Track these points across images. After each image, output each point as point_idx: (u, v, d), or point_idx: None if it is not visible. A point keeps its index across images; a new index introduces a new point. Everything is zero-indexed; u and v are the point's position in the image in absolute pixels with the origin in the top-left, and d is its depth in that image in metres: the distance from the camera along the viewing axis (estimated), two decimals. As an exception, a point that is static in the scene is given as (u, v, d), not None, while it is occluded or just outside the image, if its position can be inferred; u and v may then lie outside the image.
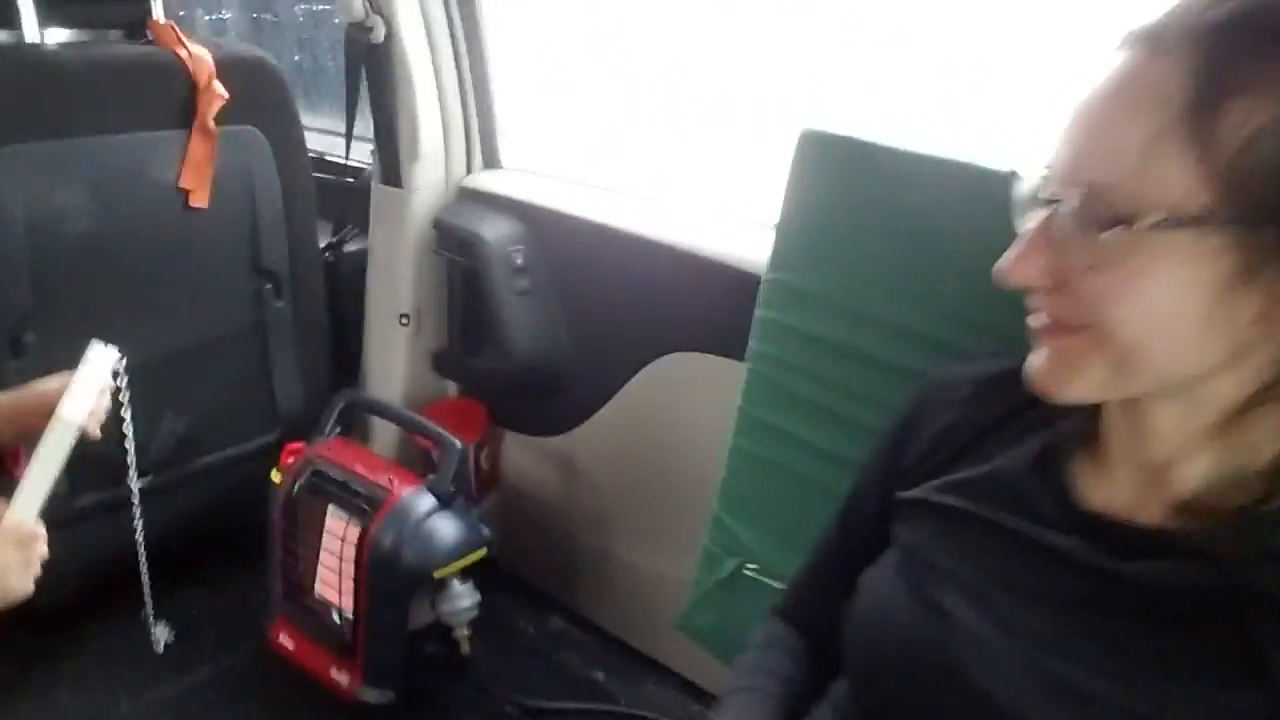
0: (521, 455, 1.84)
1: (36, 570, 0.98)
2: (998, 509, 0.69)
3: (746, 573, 1.16)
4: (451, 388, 1.90)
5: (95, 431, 1.07)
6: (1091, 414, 0.67)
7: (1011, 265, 0.60)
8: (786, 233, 1.10)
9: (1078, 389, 0.60)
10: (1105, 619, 0.60)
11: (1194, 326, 0.54)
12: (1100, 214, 0.54)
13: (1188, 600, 0.57)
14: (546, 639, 1.76)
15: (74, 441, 1.02)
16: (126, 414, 1.28)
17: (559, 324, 1.67)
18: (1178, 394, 0.59)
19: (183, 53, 1.44)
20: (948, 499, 0.73)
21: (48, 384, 1.08)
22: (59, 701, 1.53)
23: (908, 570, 0.72)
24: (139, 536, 1.37)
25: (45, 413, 1.02)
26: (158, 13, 1.47)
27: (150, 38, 1.47)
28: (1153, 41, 0.55)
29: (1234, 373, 0.56)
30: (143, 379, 1.43)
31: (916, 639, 0.68)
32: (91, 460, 1.23)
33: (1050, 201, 0.58)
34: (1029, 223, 0.60)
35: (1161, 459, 0.61)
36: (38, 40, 1.43)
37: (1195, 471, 0.60)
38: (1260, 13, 0.53)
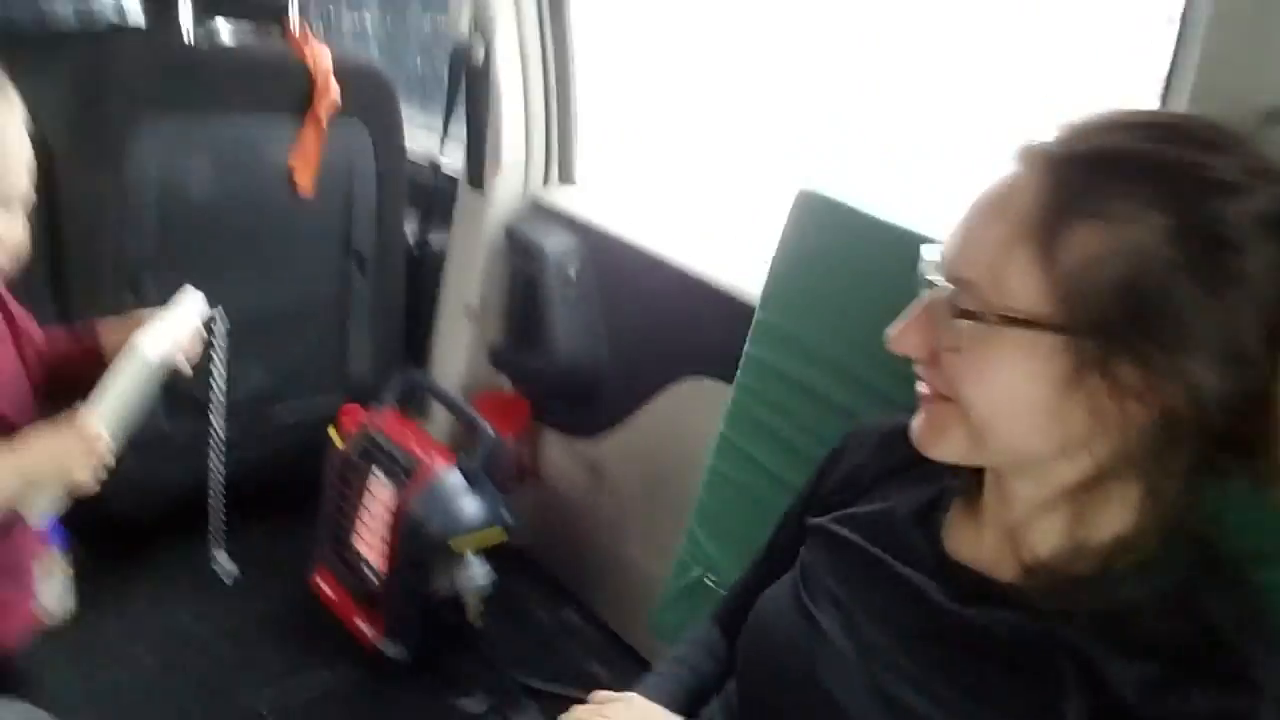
0: (557, 453, 1.97)
1: (99, 469, 1.03)
2: (877, 543, 0.78)
3: (707, 582, 1.26)
4: (506, 383, 2.06)
5: (185, 368, 1.13)
6: (973, 473, 0.75)
7: (896, 335, 0.70)
8: (777, 278, 1.20)
9: (942, 450, 0.70)
10: (941, 651, 0.69)
11: (1035, 414, 0.63)
12: (962, 304, 0.64)
13: (1010, 645, 0.66)
14: (557, 628, 1.88)
15: (149, 372, 1.06)
16: (216, 357, 1.47)
17: (599, 335, 1.80)
18: (1028, 469, 0.68)
19: (307, 54, 1.64)
20: (841, 530, 0.82)
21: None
22: (134, 610, 1.73)
23: (798, 586, 0.82)
24: (214, 472, 1.55)
25: None
26: (292, 14, 1.68)
27: (282, 35, 1.68)
28: (1027, 159, 0.64)
29: (1074, 458, 0.64)
30: (234, 332, 1.65)
31: (788, 644, 0.78)
32: (183, 394, 1.44)
33: (934, 284, 0.67)
34: (921, 298, 0.69)
35: (1016, 524, 0.70)
36: (189, 32, 1.66)
37: (1044, 539, 0.68)
38: (1114, 154, 0.61)
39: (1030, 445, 0.65)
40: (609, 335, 1.80)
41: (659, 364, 1.68)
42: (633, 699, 0.85)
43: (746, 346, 1.24)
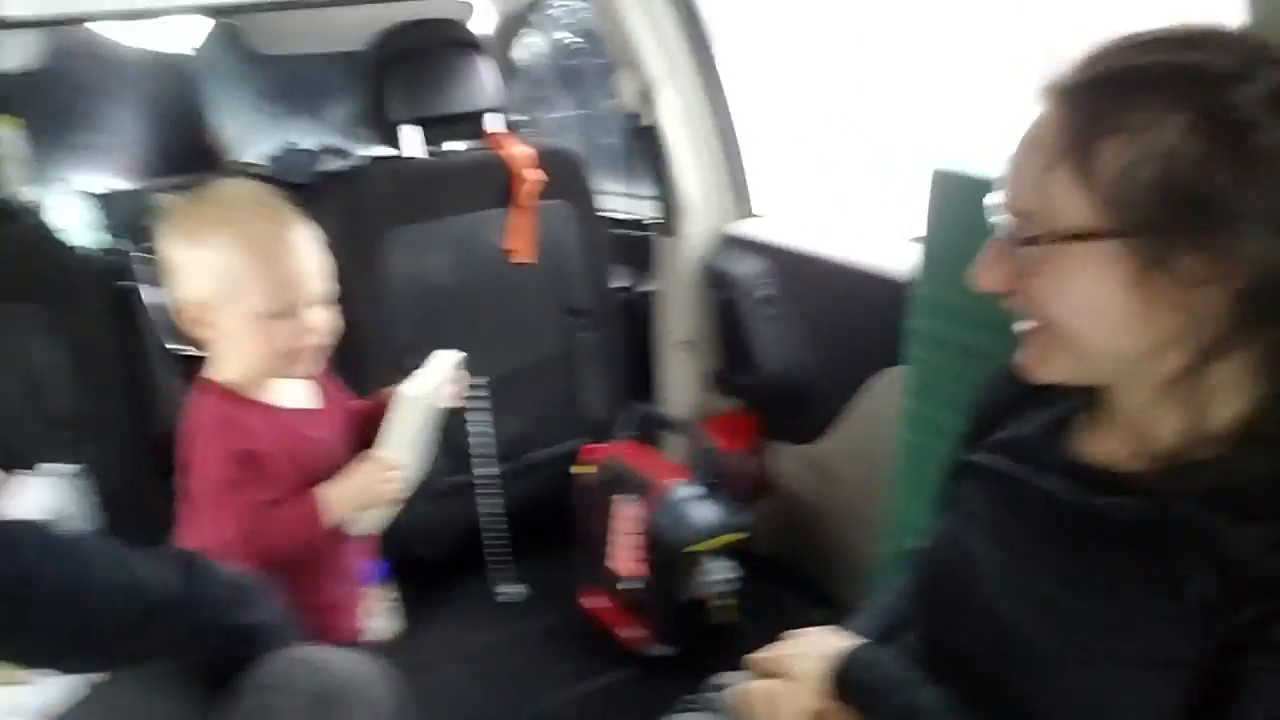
0: (785, 462, 2.11)
1: (401, 490, 1.30)
2: (1016, 463, 0.87)
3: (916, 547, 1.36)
4: (730, 404, 2.23)
5: (445, 405, 1.38)
6: (1090, 388, 0.82)
7: (976, 274, 0.79)
8: (927, 253, 1.31)
9: (1047, 373, 0.78)
10: (1075, 544, 0.77)
11: (1116, 318, 0.70)
12: (1024, 233, 0.73)
13: (1134, 528, 0.73)
14: (806, 624, 2.00)
15: (415, 407, 1.31)
16: (474, 413, 1.76)
17: (802, 344, 1.95)
18: (1130, 372, 0.74)
19: (509, 152, 1.94)
20: (981, 458, 0.92)
21: None
22: (440, 633, 2.02)
23: (952, 516, 0.93)
24: (487, 511, 1.84)
25: None
26: (488, 123, 1.99)
27: (487, 143, 2.00)
28: (1050, 95, 0.74)
29: (1168, 352, 0.70)
30: (488, 392, 1.96)
31: (943, 570, 0.90)
32: (459, 448, 1.74)
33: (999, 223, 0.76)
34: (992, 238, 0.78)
35: (1136, 423, 0.77)
36: (411, 153, 2.00)
37: (1165, 432, 0.74)
38: (1123, 72, 0.70)
39: (1122, 348, 0.71)
40: (810, 344, 1.94)
41: (857, 361, 1.79)
42: (817, 631, 0.97)
43: (909, 321, 1.35)
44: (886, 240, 1.77)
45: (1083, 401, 0.84)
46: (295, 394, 1.33)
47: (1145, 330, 0.69)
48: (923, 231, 1.32)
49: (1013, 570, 0.81)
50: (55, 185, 2.39)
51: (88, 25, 2.38)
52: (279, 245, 1.19)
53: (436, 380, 1.36)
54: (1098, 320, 0.71)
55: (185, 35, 2.73)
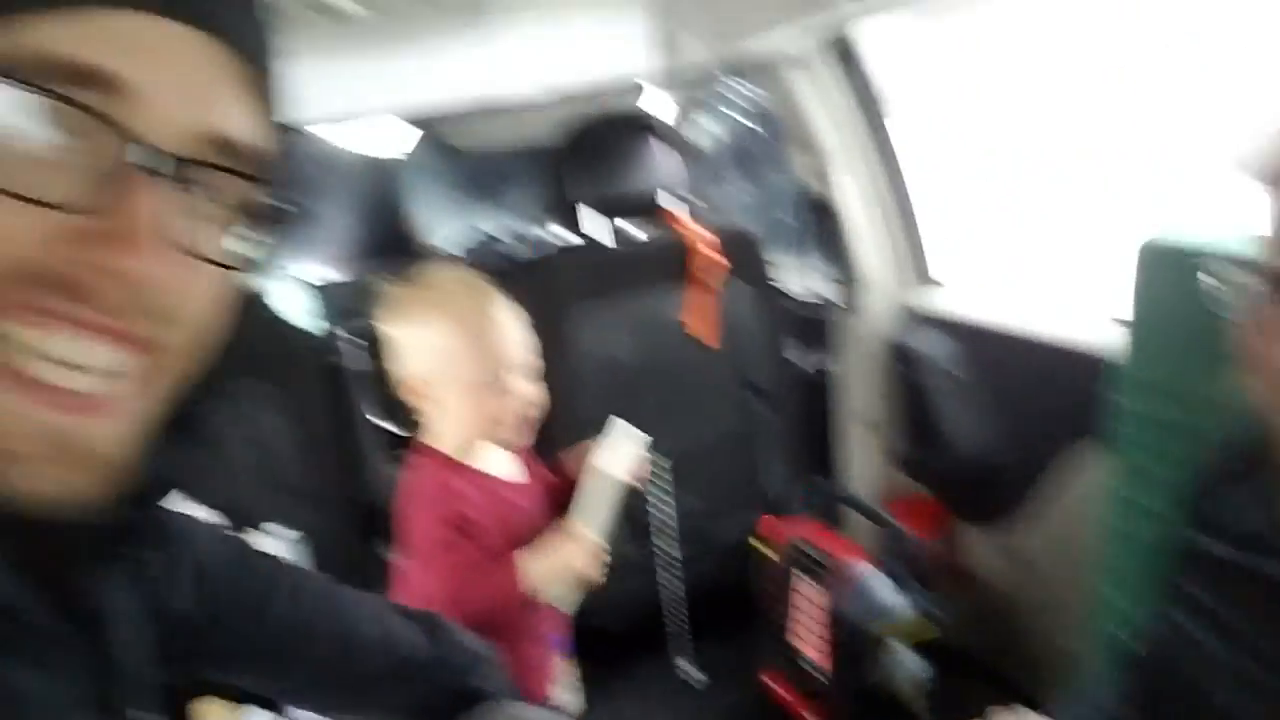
0: (975, 546, 2.01)
1: (599, 565, 1.33)
2: (1243, 550, 0.82)
3: (1124, 639, 1.26)
4: (915, 486, 2.16)
5: (631, 481, 1.41)
6: None
7: (1256, 350, 0.70)
8: (1134, 329, 1.24)
9: None
10: None
11: None
12: None
13: None
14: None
15: (608, 484, 1.35)
16: (656, 486, 1.77)
17: (990, 421, 1.86)
18: None
19: (690, 234, 1.99)
20: (1204, 545, 0.88)
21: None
22: (616, 705, 2.04)
23: (1173, 610, 0.87)
24: (667, 587, 1.86)
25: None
26: (671, 206, 2.05)
27: (666, 224, 2.05)
28: None
29: None
30: (669, 467, 1.98)
31: (1169, 663, 0.85)
32: (638, 521, 1.77)
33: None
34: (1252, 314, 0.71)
35: None
36: (592, 235, 2.08)
37: None
38: None
39: None
40: (999, 420, 1.86)
41: (1046, 437, 1.70)
42: (1026, 712, 0.92)
43: (1116, 399, 1.27)
44: (1074, 311, 1.69)
45: None
46: (503, 465, 1.41)
47: None
48: (1127, 307, 1.25)
49: (1251, 668, 0.75)
50: (278, 274, 2.63)
51: (306, 128, 2.65)
52: (485, 321, 1.29)
53: (625, 454, 1.40)
54: None
55: (389, 137, 2.98)
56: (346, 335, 2.66)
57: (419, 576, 1.31)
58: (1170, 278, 1.19)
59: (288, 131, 0.54)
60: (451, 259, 2.97)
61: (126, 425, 0.48)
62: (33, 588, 0.48)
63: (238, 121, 0.49)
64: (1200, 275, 1.12)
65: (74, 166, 0.43)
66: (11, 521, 0.49)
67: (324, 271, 2.97)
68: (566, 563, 1.32)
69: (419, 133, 2.95)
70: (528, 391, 1.33)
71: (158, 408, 0.50)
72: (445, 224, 3.15)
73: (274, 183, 0.53)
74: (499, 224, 3.18)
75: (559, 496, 1.45)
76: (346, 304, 2.70)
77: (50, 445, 0.44)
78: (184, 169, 0.45)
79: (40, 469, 0.44)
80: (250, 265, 0.53)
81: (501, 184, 3.15)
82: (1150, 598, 1.22)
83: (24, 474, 0.44)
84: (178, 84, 0.45)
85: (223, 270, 0.50)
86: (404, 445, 2.61)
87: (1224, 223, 1.21)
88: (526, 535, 1.37)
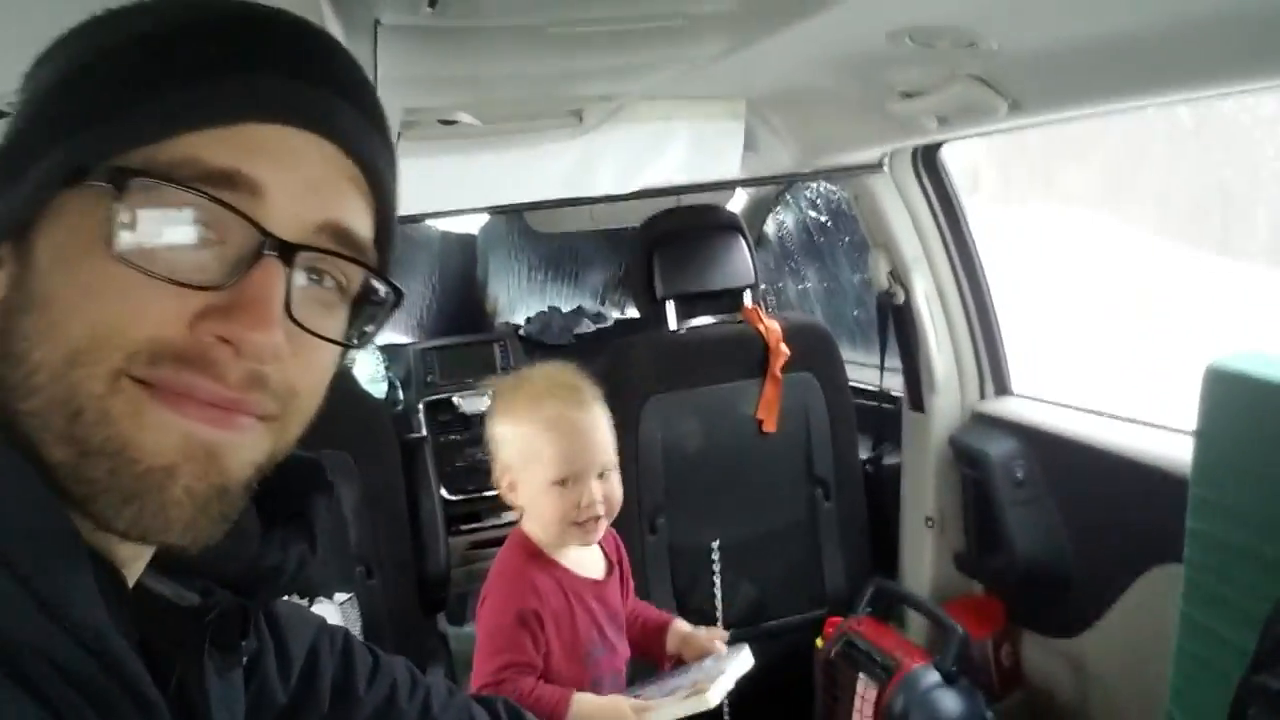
0: (1039, 655, 2.00)
1: None
2: None
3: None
4: (977, 587, 2.16)
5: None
6: None
7: None
8: (1203, 452, 1.26)
9: None
10: None
11: None
12: None
13: None
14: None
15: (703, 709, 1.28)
16: (716, 581, 1.81)
17: (1059, 530, 1.87)
18: None
19: (761, 327, 2.05)
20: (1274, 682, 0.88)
21: (701, 634, 1.48)
22: None
23: None
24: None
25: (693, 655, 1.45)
26: (746, 299, 2.12)
27: (741, 317, 2.12)
28: None
29: None
30: (729, 555, 2.01)
31: None
32: (693, 613, 1.79)
33: None
34: None
35: None
36: (674, 326, 2.15)
37: None
38: None
39: None
40: (1070, 531, 1.86)
41: (1127, 555, 1.70)
42: None
43: (1188, 522, 1.29)
44: (1156, 426, 1.71)
45: None
46: (584, 560, 1.45)
47: None
48: (1197, 426, 1.28)
49: None
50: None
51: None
52: (568, 423, 1.35)
53: (730, 678, 1.35)
54: None
55: (472, 218, 3.12)
56: (417, 404, 2.77)
57: (483, 656, 1.35)
58: (1236, 400, 1.22)
59: (399, 224, 0.61)
60: (519, 332, 3.08)
61: (255, 453, 0.53)
62: (147, 663, 0.51)
63: (353, 215, 0.55)
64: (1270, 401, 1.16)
65: (214, 256, 0.50)
66: (139, 599, 0.54)
67: (398, 338, 3.08)
68: None
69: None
70: (602, 492, 1.37)
71: (274, 459, 0.56)
72: (519, 299, 3.25)
73: (383, 269, 0.59)
74: (567, 301, 3.29)
75: (644, 637, 1.51)
76: (423, 373, 2.81)
77: (197, 453, 0.50)
78: (306, 255, 0.52)
79: (184, 483, 0.49)
80: (362, 342, 0.59)
81: (573, 264, 3.26)
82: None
83: (165, 495, 0.49)
84: (302, 182, 0.52)
85: (335, 348, 0.56)
86: (472, 518, 2.71)
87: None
88: (596, 636, 1.41)
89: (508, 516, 2.88)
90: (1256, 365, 1.20)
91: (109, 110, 0.50)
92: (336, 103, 0.55)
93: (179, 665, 0.57)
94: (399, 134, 1.30)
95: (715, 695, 1.29)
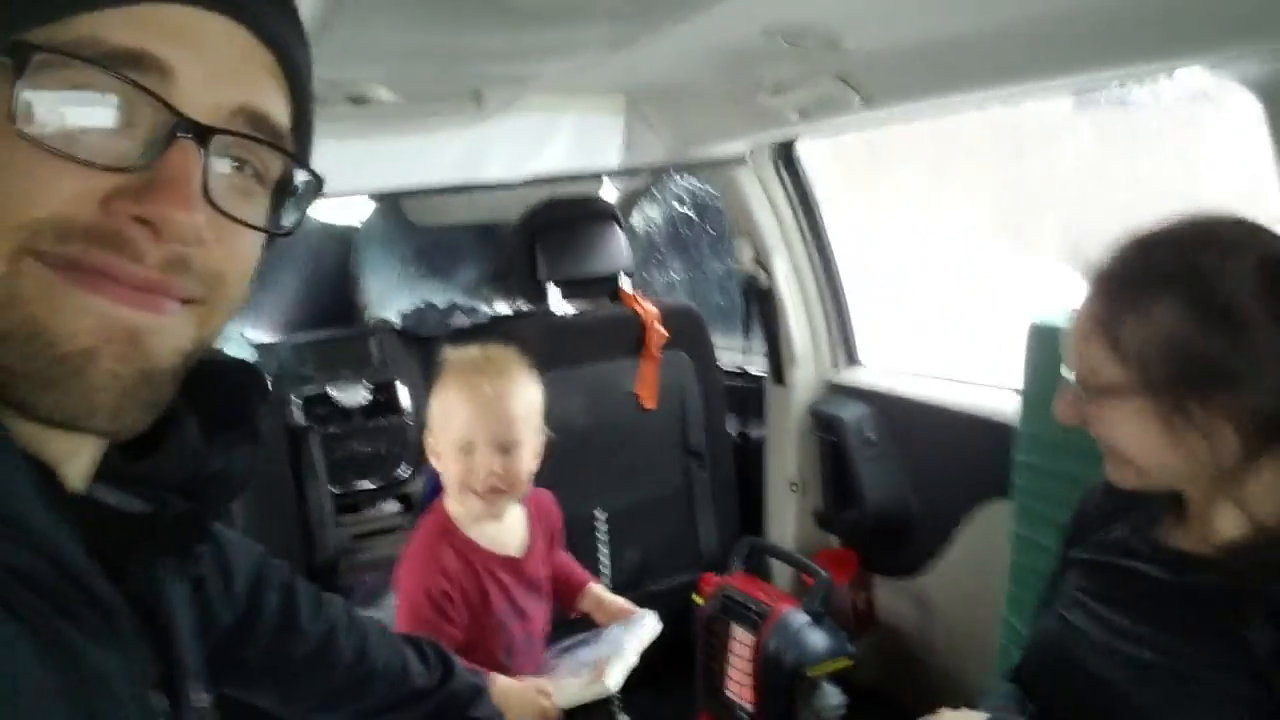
0: (889, 595, 2.23)
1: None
2: (1110, 553, 1.06)
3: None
4: (834, 540, 2.38)
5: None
6: (1172, 494, 1.01)
7: (1057, 414, 1.00)
8: (1029, 396, 1.50)
9: (1123, 483, 0.98)
10: (1159, 611, 0.95)
11: (1156, 448, 0.91)
12: (1080, 384, 0.95)
13: (1209, 597, 0.91)
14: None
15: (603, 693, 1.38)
16: (600, 547, 1.94)
17: (903, 482, 2.11)
18: (1184, 482, 0.95)
19: (638, 309, 2.21)
20: (1083, 553, 1.10)
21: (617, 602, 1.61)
22: None
23: (1058, 604, 1.09)
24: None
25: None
26: (623, 283, 2.27)
27: (617, 299, 2.27)
28: (1089, 280, 0.96)
29: (1205, 468, 0.91)
30: (614, 523, 2.15)
31: (1051, 645, 1.07)
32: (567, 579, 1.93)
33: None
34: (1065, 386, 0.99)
35: (1204, 517, 0.96)
36: (558, 309, 2.28)
37: (1225, 524, 0.94)
38: (1134, 269, 0.92)
39: (1168, 468, 0.92)
40: (911, 482, 2.11)
41: (956, 496, 1.95)
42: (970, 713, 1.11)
43: (1016, 455, 1.53)
44: (977, 382, 1.97)
45: (1166, 502, 1.03)
46: (501, 538, 1.51)
47: (1180, 454, 0.90)
48: (1020, 377, 1.51)
49: (1114, 641, 0.98)
50: (232, 336, 2.72)
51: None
52: (478, 392, 1.42)
53: (631, 662, 1.45)
54: (1143, 448, 0.92)
55: (351, 208, 3.14)
56: (291, 397, 2.78)
57: (402, 629, 1.39)
58: (1053, 351, 1.45)
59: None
60: (386, 327, 3.12)
61: (180, 339, 0.52)
62: (103, 571, 0.50)
63: (269, 100, 0.54)
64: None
65: (124, 137, 0.48)
66: (85, 507, 0.53)
67: (267, 335, 3.07)
68: (523, 707, 1.35)
69: (373, 204, 3.11)
70: (499, 465, 1.41)
71: (201, 346, 0.54)
72: (392, 294, 3.30)
73: (302, 158, 0.58)
74: (441, 296, 3.35)
75: (560, 591, 1.61)
76: (295, 366, 2.82)
77: (118, 336, 0.48)
78: (222, 139, 0.51)
79: (106, 367, 0.48)
80: (284, 232, 0.58)
81: (447, 258, 3.33)
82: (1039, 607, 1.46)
83: (86, 380, 0.48)
84: (214, 64, 0.51)
85: (258, 236, 0.55)
86: (352, 510, 2.73)
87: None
88: (511, 603, 1.48)
89: (388, 509, 2.94)
90: (1068, 320, 1.44)
91: None
92: None
93: (134, 571, 0.56)
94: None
95: (614, 681, 1.39)
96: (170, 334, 0.51)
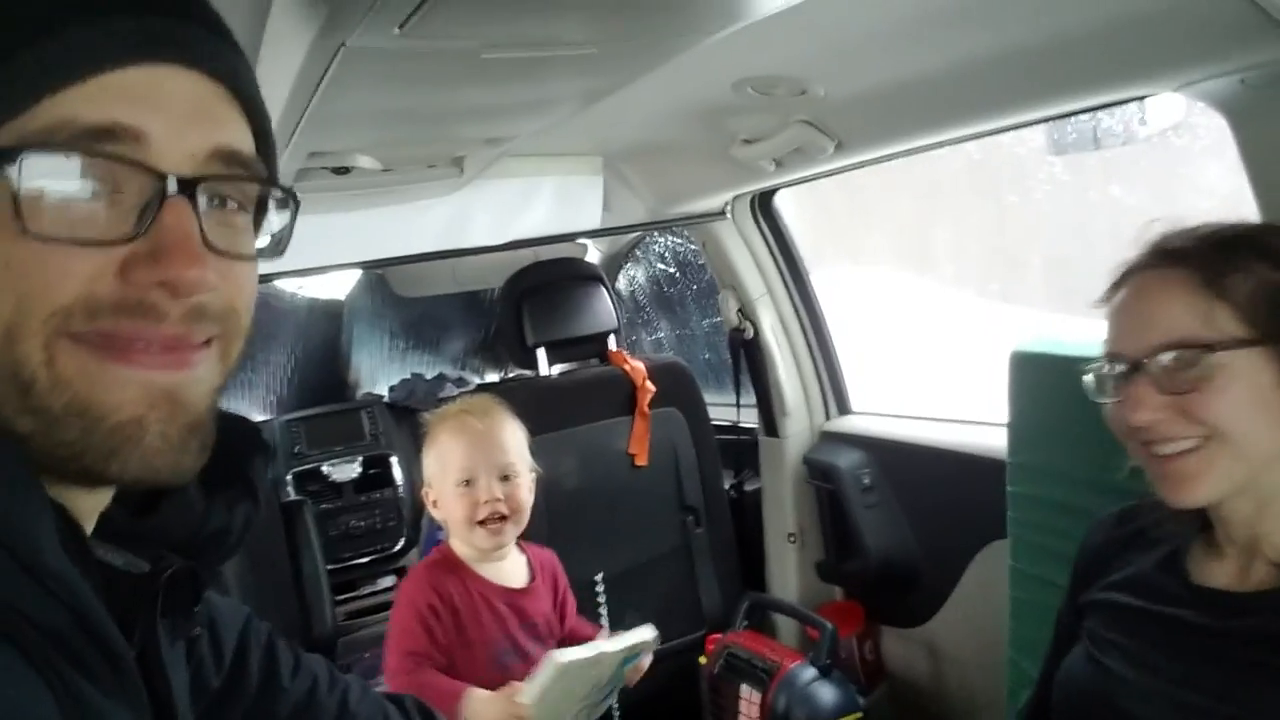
0: (897, 645, 2.20)
1: None
2: (1138, 597, 1.03)
3: (1036, 699, 1.45)
4: (838, 592, 2.35)
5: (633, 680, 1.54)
6: (1197, 520, 0.99)
7: (1134, 416, 0.92)
8: (1016, 425, 1.50)
9: (1206, 488, 0.90)
10: (1208, 655, 0.93)
11: (1273, 413, 0.87)
12: (1180, 360, 0.89)
13: (1263, 641, 0.89)
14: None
15: (560, 675, 1.35)
16: (604, 611, 1.92)
17: (904, 528, 2.09)
18: (1250, 487, 0.90)
19: (626, 367, 2.21)
20: (1107, 595, 1.07)
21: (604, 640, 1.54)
22: None
23: (1086, 647, 1.07)
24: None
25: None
26: (611, 344, 2.28)
27: (606, 360, 2.27)
28: (1162, 260, 0.94)
29: None
30: (612, 586, 2.12)
31: (1089, 689, 1.03)
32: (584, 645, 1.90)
33: (1133, 368, 0.92)
34: (1112, 394, 0.96)
35: (1252, 539, 0.93)
36: (547, 372, 2.28)
37: (1268, 552, 0.91)
38: (1224, 237, 0.93)
39: (1271, 443, 0.87)
40: (912, 528, 2.09)
41: (959, 540, 1.93)
42: None
43: (1008, 486, 1.52)
44: (972, 422, 1.96)
45: (1192, 534, 1.01)
46: (504, 573, 1.57)
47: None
48: (1006, 407, 1.51)
49: (1150, 682, 0.96)
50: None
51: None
52: (469, 429, 1.51)
53: (610, 658, 1.45)
54: (1257, 417, 0.88)
55: (339, 282, 3.16)
56: (285, 475, 2.76)
57: (389, 650, 1.47)
58: (1038, 374, 1.46)
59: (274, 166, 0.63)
60: (380, 400, 3.12)
61: (211, 380, 0.56)
62: (116, 625, 0.52)
63: (234, 135, 0.57)
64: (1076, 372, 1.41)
65: (116, 206, 0.51)
66: (100, 564, 0.55)
67: (257, 416, 3.06)
68: (496, 712, 1.39)
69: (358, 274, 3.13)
70: (499, 490, 1.50)
71: (228, 376, 0.58)
72: (381, 368, 3.30)
73: (271, 176, 0.61)
74: (429, 368, 3.36)
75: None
76: (289, 444, 2.81)
77: (159, 400, 0.52)
78: (206, 185, 0.54)
79: (157, 430, 0.52)
80: (274, 252, 0.62)
81: (435, 330, 3.35)
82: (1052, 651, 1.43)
83: (142, 445, 0.52)
84: (179, 117, 0.53)
85: (254, 261, 0.59)
86: (348, 588, 2.69)
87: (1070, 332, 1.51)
88: (509, 637, 1.53)
89: (383, 583, 2.90)
90: (1050, 346, 1.45)
91: None
92: (189, 29, 0.55)
93: (137, 630, 0.58)
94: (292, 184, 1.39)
95: (565, 657, 1.35)
96: (202, 381, 0.55)
